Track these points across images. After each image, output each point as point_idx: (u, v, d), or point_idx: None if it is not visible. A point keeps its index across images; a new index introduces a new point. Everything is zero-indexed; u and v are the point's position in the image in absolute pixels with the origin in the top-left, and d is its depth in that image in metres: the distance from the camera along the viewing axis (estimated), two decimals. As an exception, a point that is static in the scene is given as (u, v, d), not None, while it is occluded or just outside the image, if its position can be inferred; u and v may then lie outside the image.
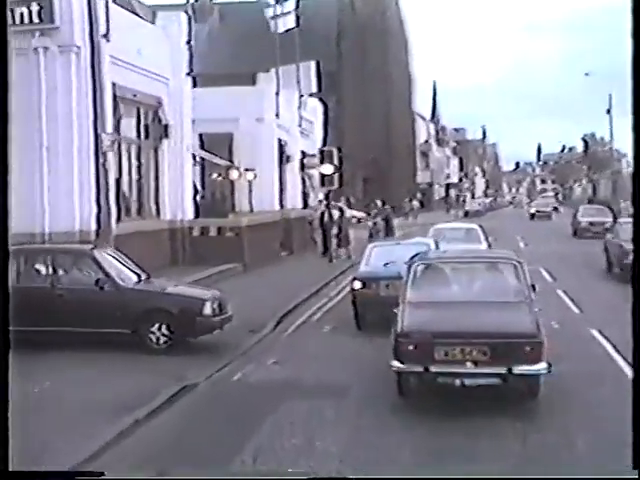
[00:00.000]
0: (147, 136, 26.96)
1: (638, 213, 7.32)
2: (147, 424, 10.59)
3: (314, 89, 44.45)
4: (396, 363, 11.00)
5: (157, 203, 27.30)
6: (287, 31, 43.74)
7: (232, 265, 27.11)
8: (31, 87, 20.70)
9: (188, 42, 28.13)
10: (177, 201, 27.56)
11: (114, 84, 22.53)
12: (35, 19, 20.59)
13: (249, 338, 16.33)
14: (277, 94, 39.02)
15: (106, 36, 21.35)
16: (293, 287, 23.47)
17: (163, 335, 14.54)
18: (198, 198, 36.23)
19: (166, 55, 26.90)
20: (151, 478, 8.51)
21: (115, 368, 13.36)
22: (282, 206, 39.36)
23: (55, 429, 10.12)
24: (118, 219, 22.93)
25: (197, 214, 29.06)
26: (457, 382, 10.69)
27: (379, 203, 42.49)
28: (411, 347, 10.87)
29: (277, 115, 38.75)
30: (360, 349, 14.93)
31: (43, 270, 15.22)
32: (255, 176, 36.43)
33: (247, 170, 36.63)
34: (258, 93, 38.61)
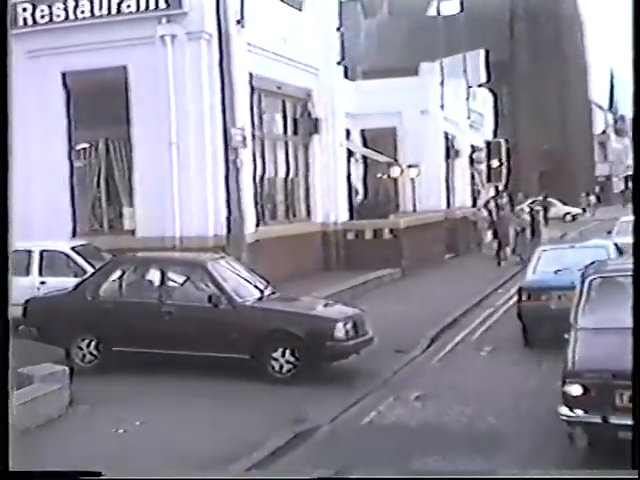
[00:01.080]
0: (295, 131, 24.84)
1: (638, 213, 7.20)
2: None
3: (483, 79, 41.43)
4: (565, 410, 8.30)
5: (308, 204, 25.12)
6: (450, 17, 41.17)
7: (389, 270, 24.69)
8: (157, 79, 18.88)
9: (338, 29, 25.82)
10: (330, 202, 25.28)
11: (252, 75, 20.42)
12: (161, 4, 18.73)
13: (394, 362, 13.82)
14: (442, 84, 36.31)
15: (240, 22, 19.25)
16: (454, 295, 20.81)
17: (287, 362, 12.21)
18: (359, 198, 34.14)
19: (315, 43, 24.66)
20: (151, 478, 7.74)
21: (224, 402, 11.17)
22: (449, 205, 36.70)
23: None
24: (258, 222, 20.79)
25: (352, 216, 26.70)
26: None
27: (520, 196, 38.79)
28: (584, 390, 8.15)
29: (442, 107, 36.12)
30: (524, 380, 12.14)
31: (150, 283, 13.19)
32: (419, 173, 33.91)
33: (410, 167, 34.14)
34: (422, 84, 36.07)
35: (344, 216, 25.88)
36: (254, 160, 20.82)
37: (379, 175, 36.94)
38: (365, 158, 35.32)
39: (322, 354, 12.22)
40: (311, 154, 25.07)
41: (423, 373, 13.21)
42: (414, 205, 34.55)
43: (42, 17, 19.65)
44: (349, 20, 70.74)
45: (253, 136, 20.52)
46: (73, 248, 16.94)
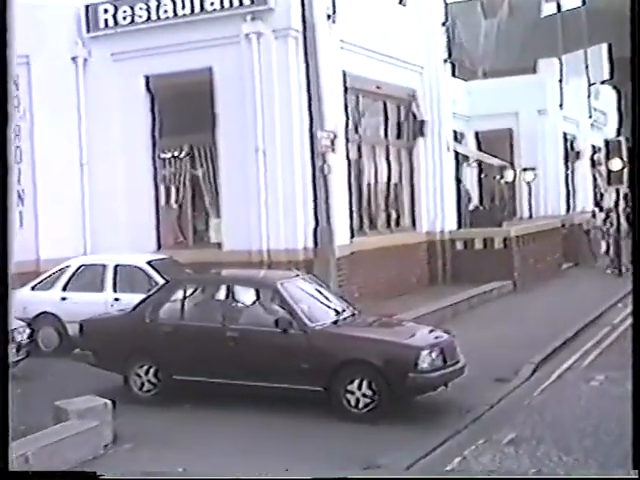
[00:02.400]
0: (399, 135, 23.29)
1: (638, 212, 7.37)
2: None
3: (606, 76, 39.04)
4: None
5: (412, 212, 23.52)
6: (571, 12, 39.08)
7: (500, 283, 22.89)
8: (243, 80, 17.64)
9: (444, 24, 24.16)
10: (436, 209, 23.62)
11: (345, 73, 19.01)
12: (246, 1, 17.48)
13: (490, 393, 12.20)
14: (561, 82, 34.21)
15: (331, 17, 17.87)
16: (568, 311, 19.03)
17: (364, 396, 10.73)
18: (473, 205, 32.39)
19: (419, 40, 23.09)
20: (150, 478, 7.81)
21: (291, 444, 9.79)
22: (569, 210, 34.54)
23: None
24: (354, 233, 19.35)
25: (460, 224, 24.97)
26: None
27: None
28: None
29: (561, 106, 34.00)
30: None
31: (214, 304, 11.89)
32: (535, 176, 31.93)
33: (525, 170, 32.14)
34: (539, 82, 34.07)
35: (452, 225, 24.17)
36: (349, 166, 19.35)
37: (494, 180, 35.05)
38: (480, 162, 33.52)
39: (403, 387, 10.69)
40: (415, 158, 23.47)
41: (521, 408, 11.48)
42: (530, 211, 32.56)
43: (124, 18, 18.69)
44: (468, 20, 68.93)
45: (347, 140, 19.07)
46: (149, 262, 15.85)
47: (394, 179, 22.76)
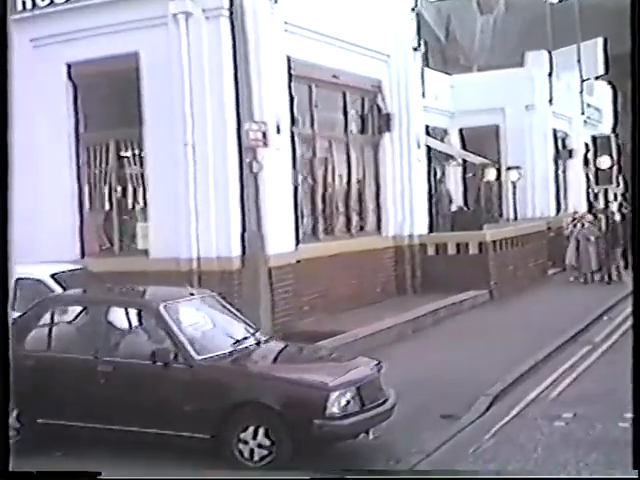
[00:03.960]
0: (363, 129, 21.19)
1: (638, 212, 7.04)
2: None
3: (601, 71, 36.83)
4: None
5: (378, 215, 21.39)
6: (565, 6, 37.08)
7: (474, 293, 20.80)
8: (171, 67, 15.52)
9: (413, 9, 22.00)
10: (404, 211, 21.48)
11: (291, 59, 16.89)
12: (172, -25, 15.37)
13: (432, 434, 10.08)
14: (550, 75, 32.06)
15: (273, -4, 15.78)
16: (546, 325, 16.99)
17: (260, 446, 8.60)
18: (455, 206, 30.28)
19: (385, 26, 20.94)
20: (150, 478, 7.45)
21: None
22: (559, 211, 32.40)
23: None
24: (299, 239, 17.23)
25: (432, 228, 22.82)
26: None
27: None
28: None
29: (550, 101, 31.85)
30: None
31: (86, 331, 9.75)
32: (520, 176, 29.76)
33: (510, 169, 30.00)
34: (527, 76, 31.93)
35: (422, 228, 22.00)
36: (295, 163, 17.20)
37: (480, 180, 32.92)
38: (465, 161, 31.38)
39: (308, 436, 8.54)
40: (381, 155, 21.35)
41: (464, 458, 9.29)
42: (515, 213, 30.43)
43: (43, 0, 16.59)
44: (464, 16, 66.92)
45: (293, 134, 16.93)
46: (54, 275, 13.69)
47: (356, 178, 20.62)
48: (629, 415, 7.36)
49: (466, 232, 22.52)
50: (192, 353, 8.94)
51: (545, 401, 11.73)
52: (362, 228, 20.82)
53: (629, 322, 17.62)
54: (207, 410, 8.69)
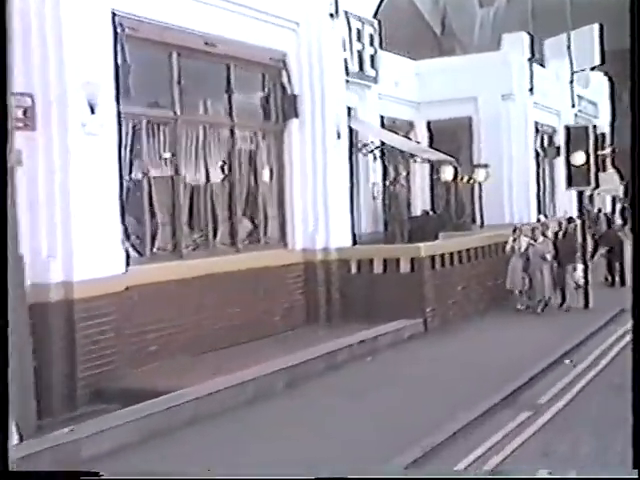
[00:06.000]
0: (262, 115, 16.76)
1: (638, 212, 7.11)
2: None
3: (596, 61, 32.26)
4: None
5: (283, 223, 16.91)
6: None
7: (403, 323, 16.29)
8: None
9: (328, -38, 17.48)
10: (318, 218, 17.01)
11: (116, 15, 12.39)
12: None
13: None
14: (530, 61, 27.63)
15: None
16: (485, 373, 12.76)
17: None
18: (419, 211, 25.99)
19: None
20: (150, 478, 7.31)
21: None
22: (546, 216, 27.98)
23: None
24: (129, 258, 12.69)
25: (355, 240, 18.30)
26: None
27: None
28: None
29: (531, 90, 27.41)
30: None
31: None
32: (487, 175, 25.20)
33: (477, 167, 25.48)
34: (503, 61, 27.47)
35: (343, 240, 17.47)
36: (121, 153, 12.62)
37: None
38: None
39: None
40: (287, 148, 16.86)
41: None
42: (481, 217, 25.97)
43: None
44: (462, 8, 63.49)
45: (120, 115, 12.38)
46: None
47: (247, 175, 16.12)
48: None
49: (397, 246, 18.02)
50: None
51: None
52: (257, 239, 16.31)
53: (597, 367, 13.28)
54: None
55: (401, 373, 13.13)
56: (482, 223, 26.12)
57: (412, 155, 24.77)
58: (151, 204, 13.64)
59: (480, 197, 26.38)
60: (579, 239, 19.39)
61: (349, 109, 22.70)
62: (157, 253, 13.77)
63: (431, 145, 27.72)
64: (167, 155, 13.95)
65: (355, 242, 17.88)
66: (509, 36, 28.47)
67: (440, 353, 14.73)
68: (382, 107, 25.22)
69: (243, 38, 15.30)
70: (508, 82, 27.43)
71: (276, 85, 16.73)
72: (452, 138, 27.97)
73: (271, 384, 11.98)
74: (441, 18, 64.26)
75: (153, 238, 13.75)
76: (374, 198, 24.64)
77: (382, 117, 25.37)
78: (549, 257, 18.11)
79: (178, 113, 14.17)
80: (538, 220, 21.90)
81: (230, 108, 15.56)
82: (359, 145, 23.65)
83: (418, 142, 27.62)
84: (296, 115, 16.72)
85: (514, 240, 18.63)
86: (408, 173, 27.63)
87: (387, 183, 25.52)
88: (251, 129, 16.24)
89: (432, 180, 28.08)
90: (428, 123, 28.36)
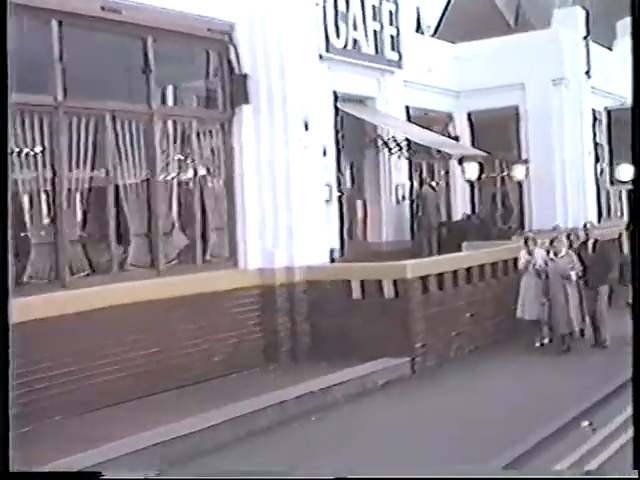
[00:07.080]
0: (207, 101, 13.38)
1: (638, 212, 6.96)
2: None
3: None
4: None
5: (232, 236, 13.44)
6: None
7: (383, 364, 12.72)
8: None
9: None
10: (278, 230, 13.53)
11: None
12: None
13: None
14: (586, 39, 23.73)
15: None
16: (469, 445, 8.84)
17: None
18: (460, 215, 22.59)
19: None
20: (150, 478, 6.83)
21: None
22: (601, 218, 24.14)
23: None
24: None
25: (343, 251, 14.74)
26: None
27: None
28: None
29: (588, 73, 23.50)
30: None
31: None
32: (527, 173, 21.38)
33: (514, 164, 21.67)
34: (552, 39, 23.60)
35: (314, 257, 13.90)
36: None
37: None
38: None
39: None
40: (236, 141, 13.39)
41: None
42: (522, 222, 22.19)
43: None
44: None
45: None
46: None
47: (178, 177, 12.73)
48: None
49: (378, 264, 14.29)
50: None
51: None
52: (193, 258, 12.88)
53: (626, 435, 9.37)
54: None
55: (349, 444, 9.51)
56: (530, 228, 22.23)
57: (438, 151, 21.11)
58: (19, 216, 10.37)
59: (520, 197, 22.60)
60: (625, 249, 15.33)
61: (364, 98, 19.44)
62: (29, 283, 10.47)
63: (473, 139, 24.09)
64: (38, 150, 10.64)
65: (343, 254, 14.26)
66: (559, 12, 24.52)
67: (416, 412, 10.91)
68: (409, 96, 21.59)
69: (164, 4, 11.93)
70: (560, 65, 23.50)
71: (222, 64, 13.29)
72: (497, 131, 24.26)
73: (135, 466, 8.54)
74: (515, 8, 60.38)
75: (23, 263, 10.48)
76: (398, 202, 21.01)
77: (408, 108, 21.73)
78: (574, 276, 13.96)
79: (59, 99, 10.84)
80: (585, 225, 17.83)
81: (148, 93, 12.15)
82: (376, 141, 20.17)
83: (457, 136, 23.98)
84: (246, 100, 13.25)
85: (528, 253, 14.71)
86: (447, 172, 24.00)
87: (415, 184, 21.94)
88: (182, 118, 12.79)
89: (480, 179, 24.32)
90: (469, 114, 24.60)
